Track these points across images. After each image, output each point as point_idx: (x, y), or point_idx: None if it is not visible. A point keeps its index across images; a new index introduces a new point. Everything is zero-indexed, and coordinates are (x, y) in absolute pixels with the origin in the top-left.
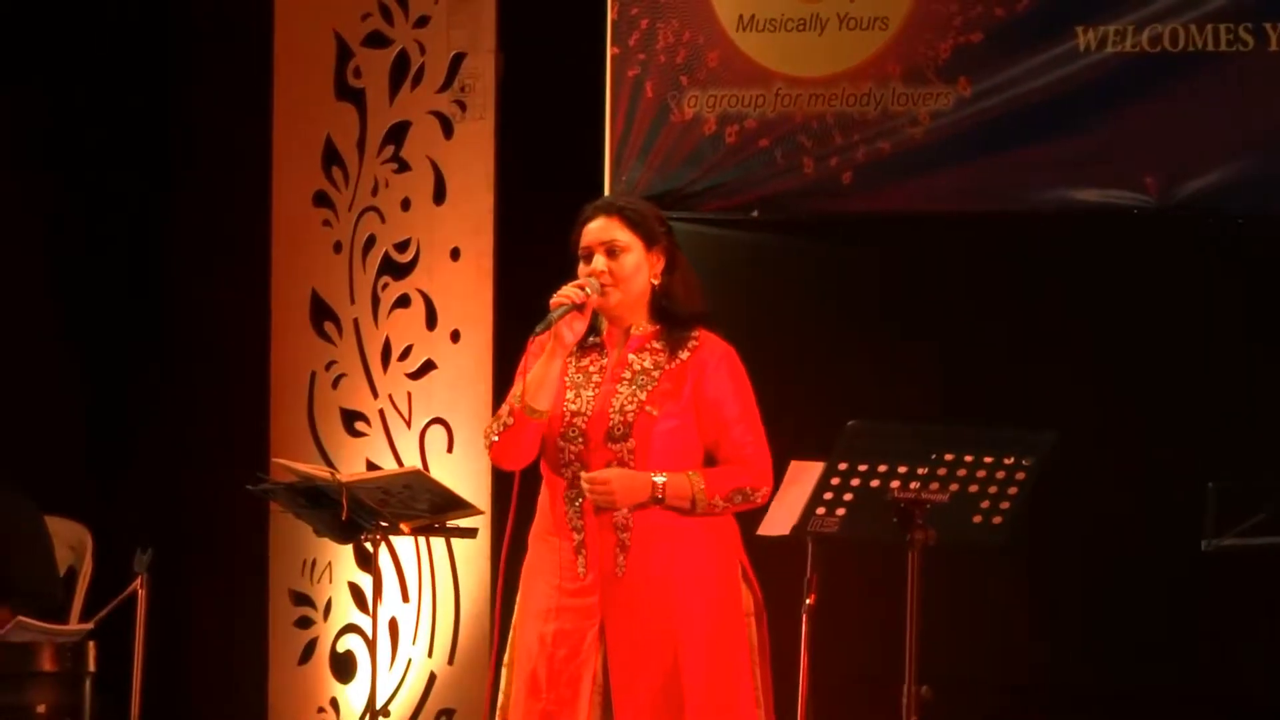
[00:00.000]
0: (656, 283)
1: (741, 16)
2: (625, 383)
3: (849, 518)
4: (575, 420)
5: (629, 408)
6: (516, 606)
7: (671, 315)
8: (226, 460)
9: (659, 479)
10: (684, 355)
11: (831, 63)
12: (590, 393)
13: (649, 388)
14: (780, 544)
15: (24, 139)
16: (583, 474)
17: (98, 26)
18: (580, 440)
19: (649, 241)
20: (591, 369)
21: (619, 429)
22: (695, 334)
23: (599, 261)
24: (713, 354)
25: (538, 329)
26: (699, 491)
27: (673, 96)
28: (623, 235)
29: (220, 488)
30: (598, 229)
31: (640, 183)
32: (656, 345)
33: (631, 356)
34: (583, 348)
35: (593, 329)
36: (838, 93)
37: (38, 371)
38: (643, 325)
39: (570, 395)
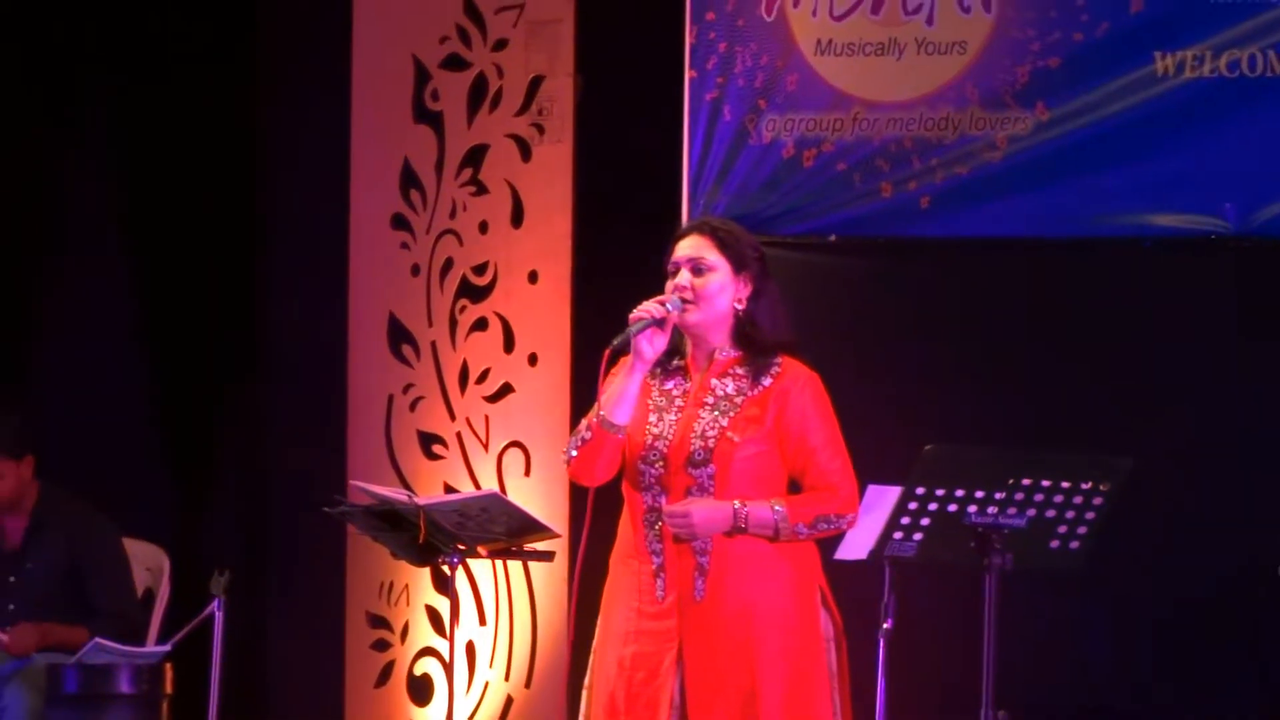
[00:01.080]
0: (740, 308)
1: (820, 40)
2: (707, 408)
3: (926, 542)
4: (657, 444)
5: (710, 433)
6: (597, 629)
7: (755, 342)
8: (304, 483)
9: (740, 508)
10: (767, 381)
11: (910, 87)
12: (673, 417)
13: (731, 414)
14: (858, 567)
15: (107, 171)
16: (664, 507)
17: (176, 51)
18: (661, 464)
19: (737, 265)
20: (675, 393)
21: (700, 454)
22: (778, 360)
23: (683, 277)
24: (796, 381)
25: (615, 341)
26: (781, 519)
27: (750, 120)
28: (711, 255)
29: (298, 510)
30: (688, 246)
31: (718, 206)
32: (740, 371)
33: (714, 381)
34: (666, 371)
35: (677, 351)
36: (916, 117)
37: (119, 395)
38: (726, 350)
39: (653, 419)
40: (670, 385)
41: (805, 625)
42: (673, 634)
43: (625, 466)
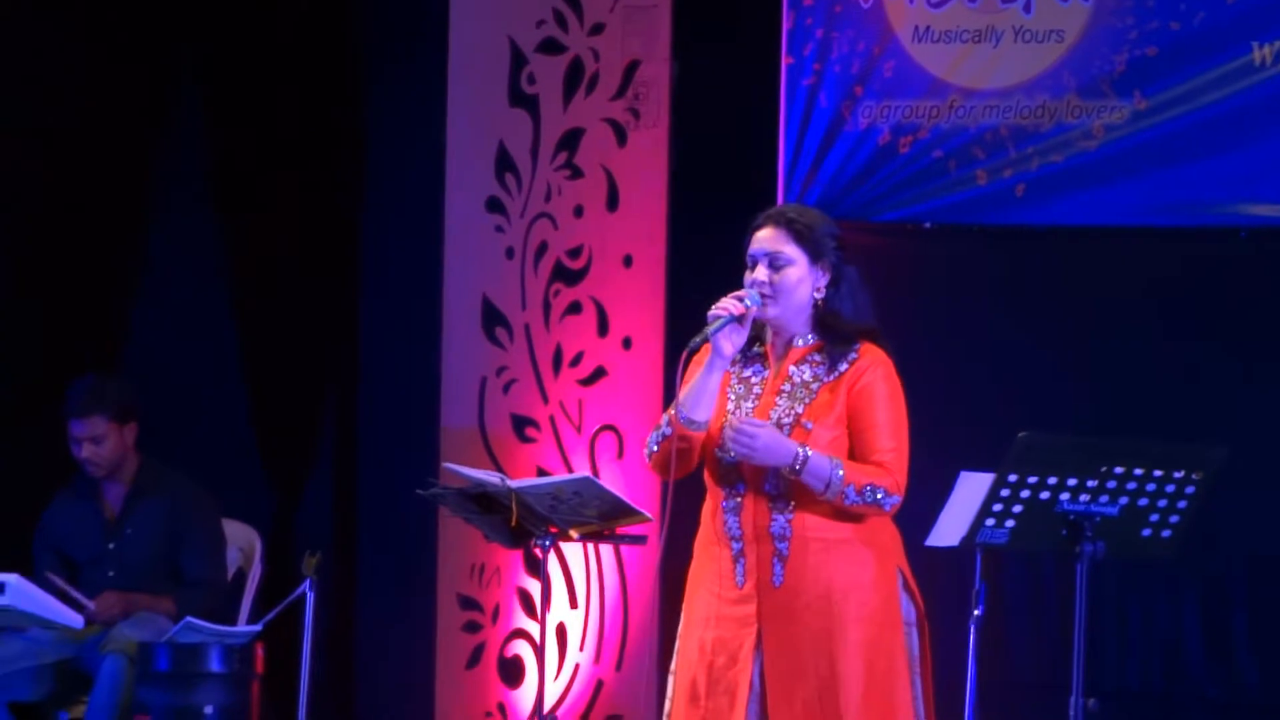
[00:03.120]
0: (820, 297)
1: (917, 27)
2: (784, 395)
3: (1018, 529)
4: None
5: (786, 420)
6: (682, 614)
7: (835, 330)
8: (397, 464)
9: (802, 452)
10: (844, 367)
11: (1007, 74)
12: (750, 404)
13: (807, 401)
14: (949, 554)
15: (205, 155)
16: (731, 420)
17: (271, 35)
18: None
19: (815, 256)
20: (754, 380)
21: None
22: (858, 347)
23: (761, 272)
24: (871, 364)
25: (694, 341)
26: (836, 475)
27: (847, 106)
28: (788, 248)
29: (390, 492)
30: (765, 238)
31: (813, 192)
32: (817, 358)
33: (792, 369)
34: (746, 358)
35: (758, 338)
36: (1012, 104)
37: (215, 377)
38: (805, 337)
39: (731, 406)
40: (749, 373)
41: (885, 610)
42: (751, 619)
43: (705, 455)
